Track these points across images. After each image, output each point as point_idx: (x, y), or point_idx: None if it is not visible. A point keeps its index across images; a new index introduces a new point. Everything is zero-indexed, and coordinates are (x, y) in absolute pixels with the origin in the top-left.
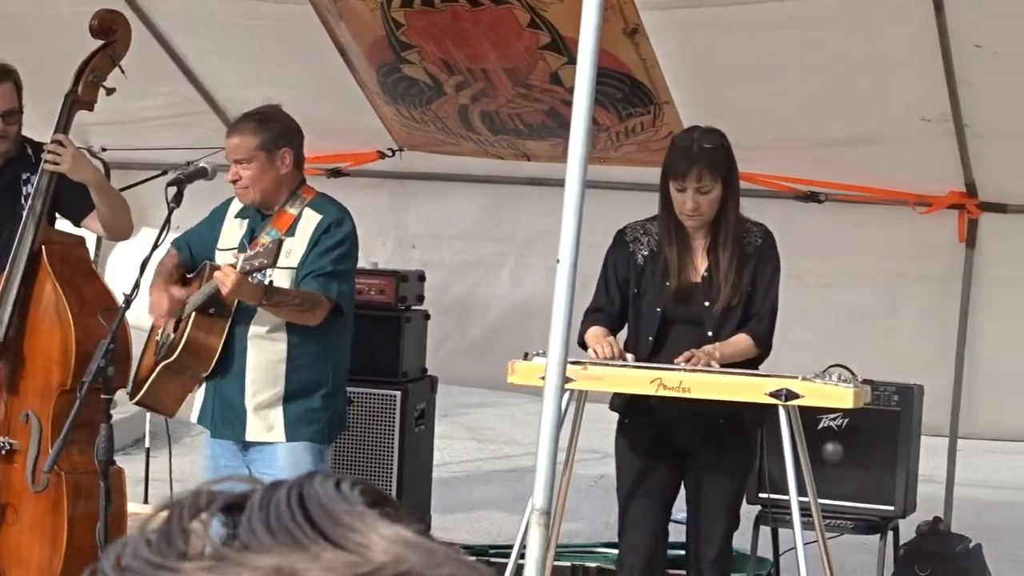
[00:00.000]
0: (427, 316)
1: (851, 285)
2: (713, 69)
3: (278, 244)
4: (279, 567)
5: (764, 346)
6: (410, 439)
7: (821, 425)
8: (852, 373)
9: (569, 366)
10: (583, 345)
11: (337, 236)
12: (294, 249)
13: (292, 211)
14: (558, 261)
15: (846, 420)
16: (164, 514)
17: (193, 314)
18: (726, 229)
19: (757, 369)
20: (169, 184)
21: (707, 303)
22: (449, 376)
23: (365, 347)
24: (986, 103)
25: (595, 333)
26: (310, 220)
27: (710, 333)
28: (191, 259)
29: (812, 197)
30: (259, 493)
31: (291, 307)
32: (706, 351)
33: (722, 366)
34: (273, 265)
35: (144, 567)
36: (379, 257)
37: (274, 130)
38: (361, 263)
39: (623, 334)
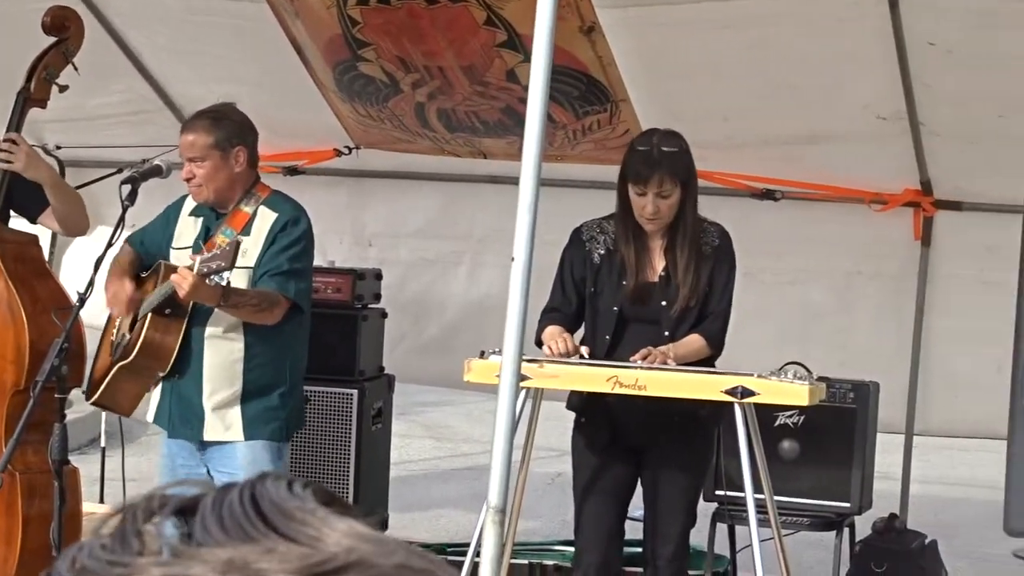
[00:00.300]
0: (384, 314)
1: (807, 283)
2: (669, 67)
3: (235, 245)
4: (232, 560)
5: (716, 346)
6: (367, 438)
7: (777, 422)
8: (808, 370)
9: (525, 364)
10: (540, 344)
11: (293, 234)
12: (250, 248)
13: (247, 209)
14: (512, 259)
15: (802, 417)
16: (117, 518)
17: (149, 315)
18: (684, 230)
19: (712, 367)
20: (123, 182)
21: (664, 303)
22: (406, 374)
23: (322, 346)
24: (941, 102)
25: (551, 331)
26: (265, 219)
27: (666, 333)
28: (144, 256)
29: (768, 195)
30: (211, 495)
31: (249, 307)
32: (661, 351)
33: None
34: (231, 267)
35: (100, 565)
36: (336, 255)
37: (228, 128)
38: (318, 261)
39: (580, 333)
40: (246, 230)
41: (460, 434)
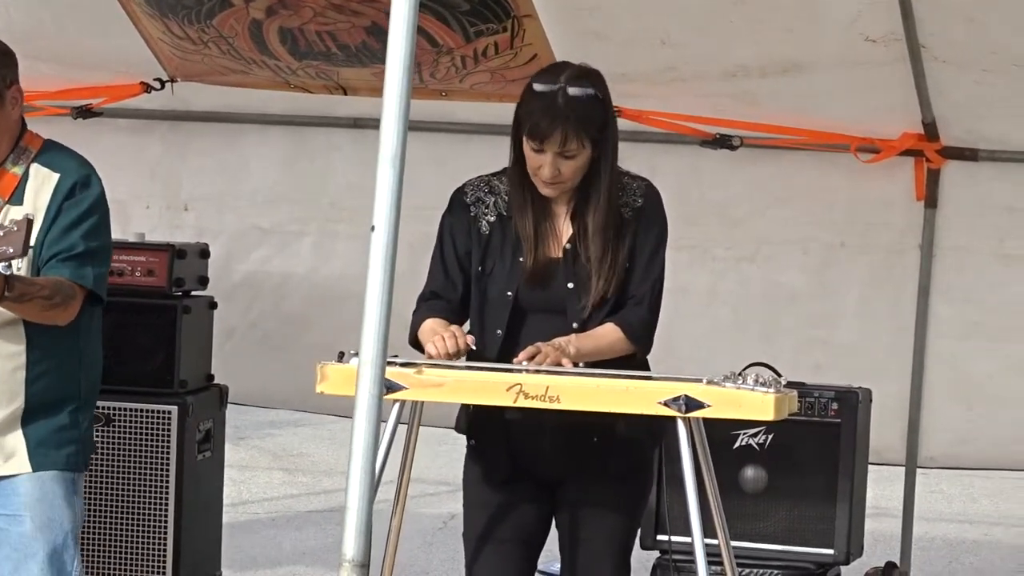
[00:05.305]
0: (213, 304)
1: (773, 258)
2: None
3: (27, 225)
4: None
5: (640, 340)
6: (192, 470)
7: (738, 444)
8: (776, 374)
9: (397, 370)
10: (417, 344)
11: (85, 202)
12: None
13: (15, 170)
14: (373, 228)
15: (770, 436)
16: None
17: None
18: (597, 189)
19: (636, 369)
20: None
21: (570, 285)
22: (239, 385)
23: (129, 347)
24: (950, 17)
25: (431, 327)
26: (43, 181)
27: (575, 324)
28: None
29: (722, 142)
30: None
31: (39, 301)
32: (556, 345)
33: (587, 365)
34: (23, 253)
35: None
36: (143, 224)
37: None
38: (120, 234)
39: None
40: (16, 198)
41: (320, 464)
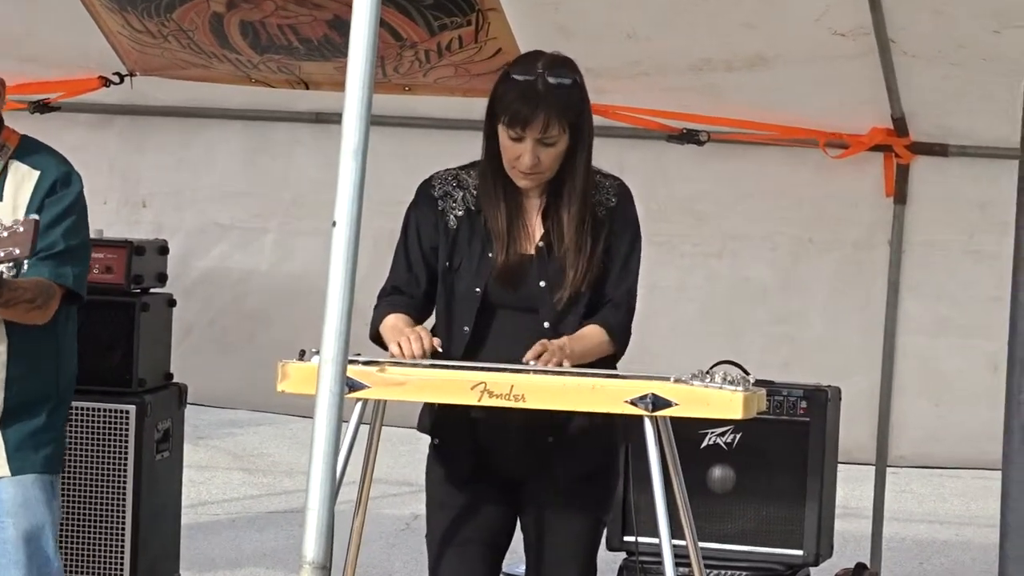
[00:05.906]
0: (172, 302)
1: (741, 254)
2: None
3: (34, 226)
4: None
5: (621, 341)
6: (149, 470)
7: (706, 443)
8: (744, 372)
9: (360, 367)
10: (378, 339)
11: (65, 200)
12: (5, 220)
13: None
14: (334, 224)
15: (738, 435)
16: None
17: None
18: (572, 186)
19: (613, 368)
20: None
21: (543, 283)
22: (198, 384)
23: (87, 345)
24: (919, 12)
25: (395, 324)
26: (23, 178)
27: (547, 323)
28: None
29: (689, 137)
30: None
31: (23, 304)
32: (559, 345)
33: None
34: (31, 254)
35: None
36: (101, 221)
37: None
38: None
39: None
40: None
41: (280, 465)
